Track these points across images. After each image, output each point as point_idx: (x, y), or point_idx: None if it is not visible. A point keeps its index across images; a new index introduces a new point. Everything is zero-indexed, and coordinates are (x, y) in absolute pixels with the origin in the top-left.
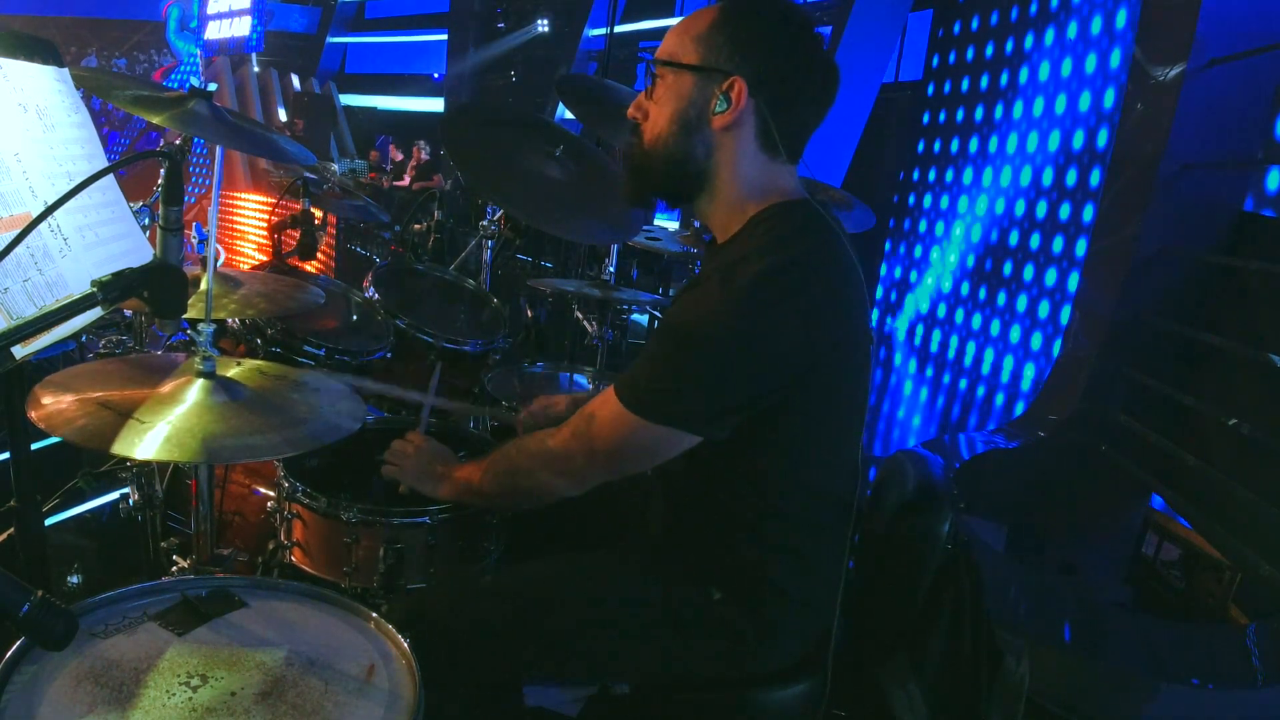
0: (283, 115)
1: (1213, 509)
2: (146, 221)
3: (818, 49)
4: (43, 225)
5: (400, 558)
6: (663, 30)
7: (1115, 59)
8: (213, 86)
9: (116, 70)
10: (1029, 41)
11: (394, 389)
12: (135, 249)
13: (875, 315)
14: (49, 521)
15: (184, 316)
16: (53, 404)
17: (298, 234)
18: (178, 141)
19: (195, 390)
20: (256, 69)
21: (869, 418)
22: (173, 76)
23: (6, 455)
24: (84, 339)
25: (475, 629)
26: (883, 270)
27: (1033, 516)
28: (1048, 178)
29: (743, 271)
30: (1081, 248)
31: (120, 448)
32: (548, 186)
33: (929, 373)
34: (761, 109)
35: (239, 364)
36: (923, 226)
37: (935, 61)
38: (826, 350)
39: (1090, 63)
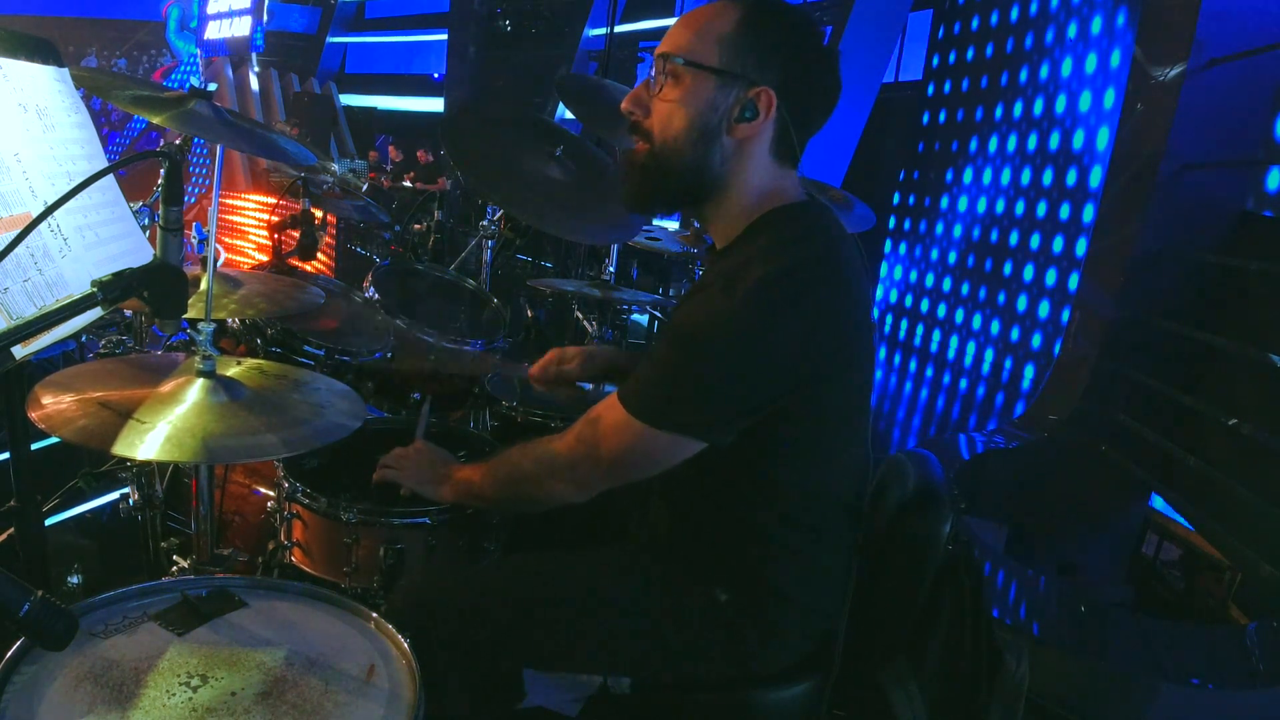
0: (283, 118)
1: (1213, 509)
2: (146, 221)
3: (830, 55)
4: (43, 225)
5: (400, 558)
6: (662, 30)
7: (1115, 59)
8: (213, 86)
9: (116, 70)
10: (1029, 41)
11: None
12: (135, 249)
13: (874, 315)
14: (49, 521)
15: (184, 316)
16: (53, 404)
17: (298, 234)
18: (178, 141)
19: (195, 390)
20: (256, 69)
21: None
22: (173, 76)
23: (6, 455)
24: (84, 339)
25: (476, 629)
26: (883, 270)
27: (1033, 516)
28: (1048, 178)
29: (745, 278)
30: (1081, 248)
31: (120, 448)
32: (548, 187)
33: (929, 373)
34: (784, 119)
35: (239, 364)
36: (923, 226)
37: (935, 61)
38: (830, 354)
39: (1090, 63)
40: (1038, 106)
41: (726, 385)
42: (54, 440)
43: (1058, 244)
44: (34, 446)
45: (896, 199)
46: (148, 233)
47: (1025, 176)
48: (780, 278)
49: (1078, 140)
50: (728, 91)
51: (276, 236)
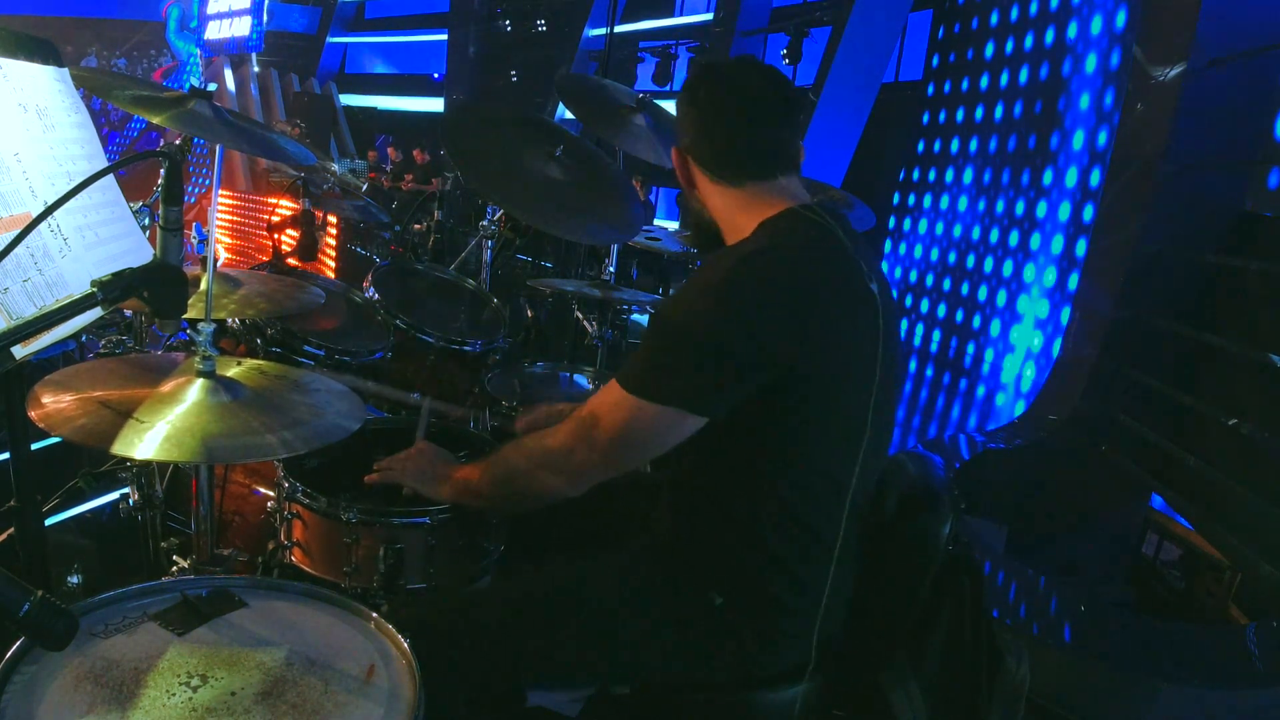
0: (283, 118)
1: (1213, 509)
2: (146, 221)
3: (749, 76)
4: (43, 225)
5: (400, 558)
6: (662, 30)
7: (1115, 59)
8: (213, 86)
9: (116, 70)
10: (1029, 41)
11: (394, 392)
12: (135, 249)
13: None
14: (49, 521)
15: (184, 316)
16: (53, 403)
17: (298, 234)
18: (178, 141)
19: (195, 390)
20: (256, 69)
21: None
22: (173, 76)
23: (6, 455)
24: (84, 339)
25: (476, 630)
26: (883, 270)
27: (1033, 516)
28: (1048, 178)
29: (725, 259)
30: (1081, 248)
31: (120, 447)
32: (548, 186)
33: (929, 373)
34: (700, 159)
35: (239, 364)
36: (923, 226)
37: (935, 61)
38: (818, 335)
39: (1090, 63)
40: (1037, 106)
41: (711, 354)
42: (54, 440)
43: (1058, 244)
44: (34, 446)
45: (896, 199)
46: (148, 233)
47: (1025, 177)
48: (754, 255)
49: (1078, 140)
50: (682, 160)
51: (276, 236)
